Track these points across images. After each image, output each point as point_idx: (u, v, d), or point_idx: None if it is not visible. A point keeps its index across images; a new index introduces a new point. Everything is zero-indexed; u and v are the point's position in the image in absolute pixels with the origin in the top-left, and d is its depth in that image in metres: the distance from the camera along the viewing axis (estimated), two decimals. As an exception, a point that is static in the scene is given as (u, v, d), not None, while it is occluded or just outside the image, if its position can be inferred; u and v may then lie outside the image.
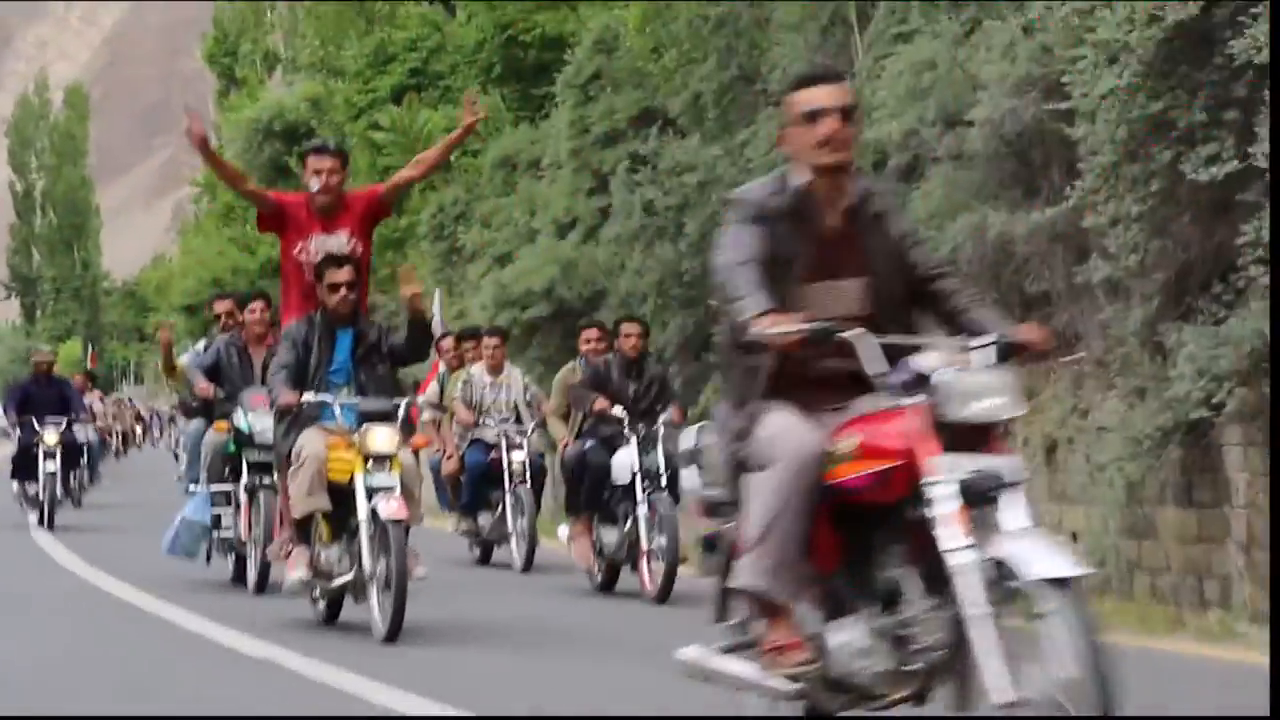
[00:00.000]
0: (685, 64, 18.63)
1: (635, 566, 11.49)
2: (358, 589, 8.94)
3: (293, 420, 9.10)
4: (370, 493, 8.78)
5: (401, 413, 9.26)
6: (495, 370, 14.33)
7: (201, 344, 13.15)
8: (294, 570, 9.02)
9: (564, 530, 12.34)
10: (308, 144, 10.29)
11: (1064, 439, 11.73)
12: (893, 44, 14.25)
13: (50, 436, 18.94)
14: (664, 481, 11.27)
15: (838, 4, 15.96)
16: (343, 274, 9.15)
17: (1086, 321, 11.64)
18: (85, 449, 20.89)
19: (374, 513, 8.74)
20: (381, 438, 8.90)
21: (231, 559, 12.19)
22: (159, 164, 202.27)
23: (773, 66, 16.55)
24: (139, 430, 55.72)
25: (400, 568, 8.51)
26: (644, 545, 11.33)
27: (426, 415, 14.66)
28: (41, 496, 18.79)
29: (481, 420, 14.16)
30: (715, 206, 16.59)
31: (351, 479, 8.88)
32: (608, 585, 11.95)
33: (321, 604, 9.43)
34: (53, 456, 18.87)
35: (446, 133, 28.83)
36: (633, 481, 11.43)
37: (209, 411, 12.24)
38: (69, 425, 19.42)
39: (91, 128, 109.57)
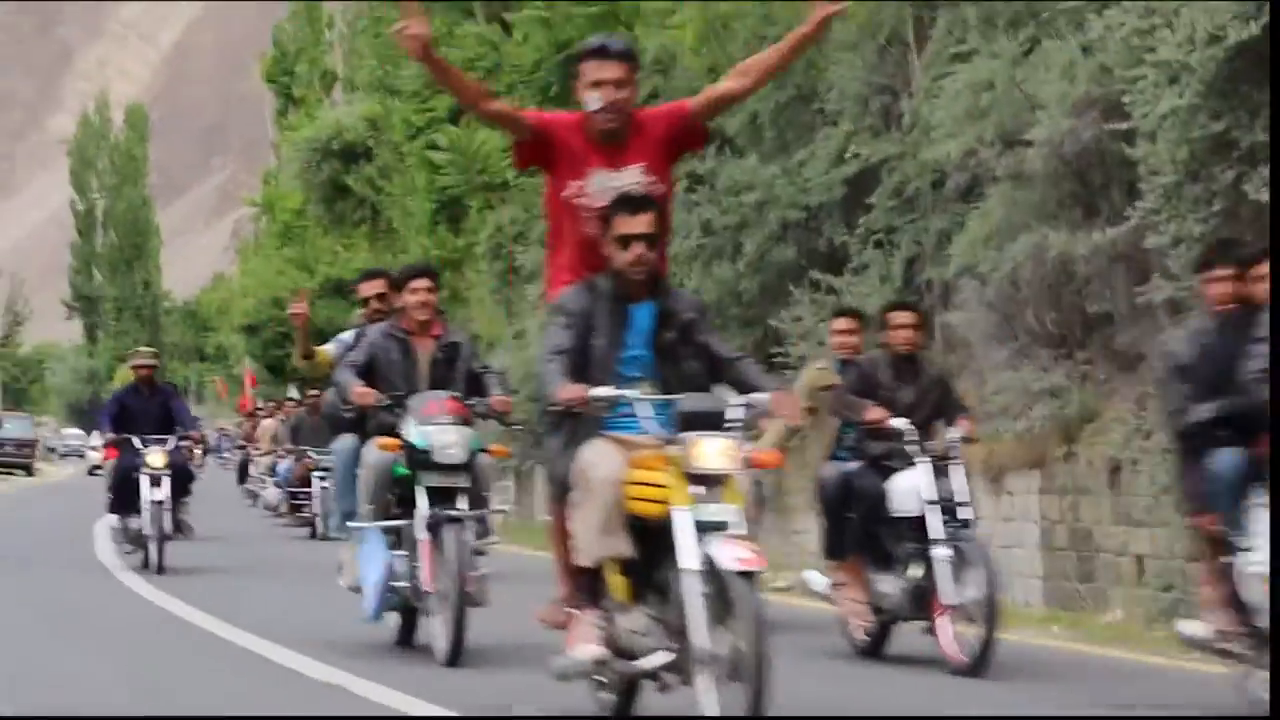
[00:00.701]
0: (742, 84, 18.63)
1: (932, 627, 9.18)
2: (678, 673, 6.16)
3: (572, 427, 6.47)
4: (700, 530, 6.05)
5: (744, 416, 6.31)
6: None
7: (349, 334, 10.46)
8: (580, 645, 6.36)
9: (816, 577, 10.28)
10: (585, 43, 7.01)
11: (1128, 461, 11.67)
12: (950, 64, 14.24)
13: (155, 458, 15.64)
14: (964, 514, 9.19)
15: (895, 24, 15.95)
16: (639, 223, 6.52)
17: (1149, 342, 11.59)
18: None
19: (709, 561, 5.96)
20: (717, 452, 6.15)
21: (396, 616, 9.56)
22: (218, 184, 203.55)
23: (830, 86, 16.55)
24: (199, 452, 55.86)
25: (757, 643, 5.74)
26: (944, 599, 9.02)
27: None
28: (147, 531, 15.54)
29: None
30: (773, 226, 16.61)
31: (666, 512, 6.11)
32: (875, 648, 9.73)
33: (612, 694, 6.58)
34: (158, 483, 15.59)
35: (504, 153, 29.09)
36: (922, 515, 9.20)
37: (362, 423, 9.57)
38: (177, 443, 16.11)
39: (151, 148, 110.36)
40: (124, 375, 41.93)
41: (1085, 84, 11.69)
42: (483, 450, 9.31)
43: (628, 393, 6.36)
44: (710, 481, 6.15)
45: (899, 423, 9.32)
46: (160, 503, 15.49)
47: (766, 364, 16.51)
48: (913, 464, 9.27)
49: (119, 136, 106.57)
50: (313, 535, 22.27)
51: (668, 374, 6.53)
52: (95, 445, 33.23)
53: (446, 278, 31.51)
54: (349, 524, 9.59)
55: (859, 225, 15.48)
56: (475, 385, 9.54)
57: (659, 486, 6.18)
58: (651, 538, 6.20)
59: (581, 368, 6.40)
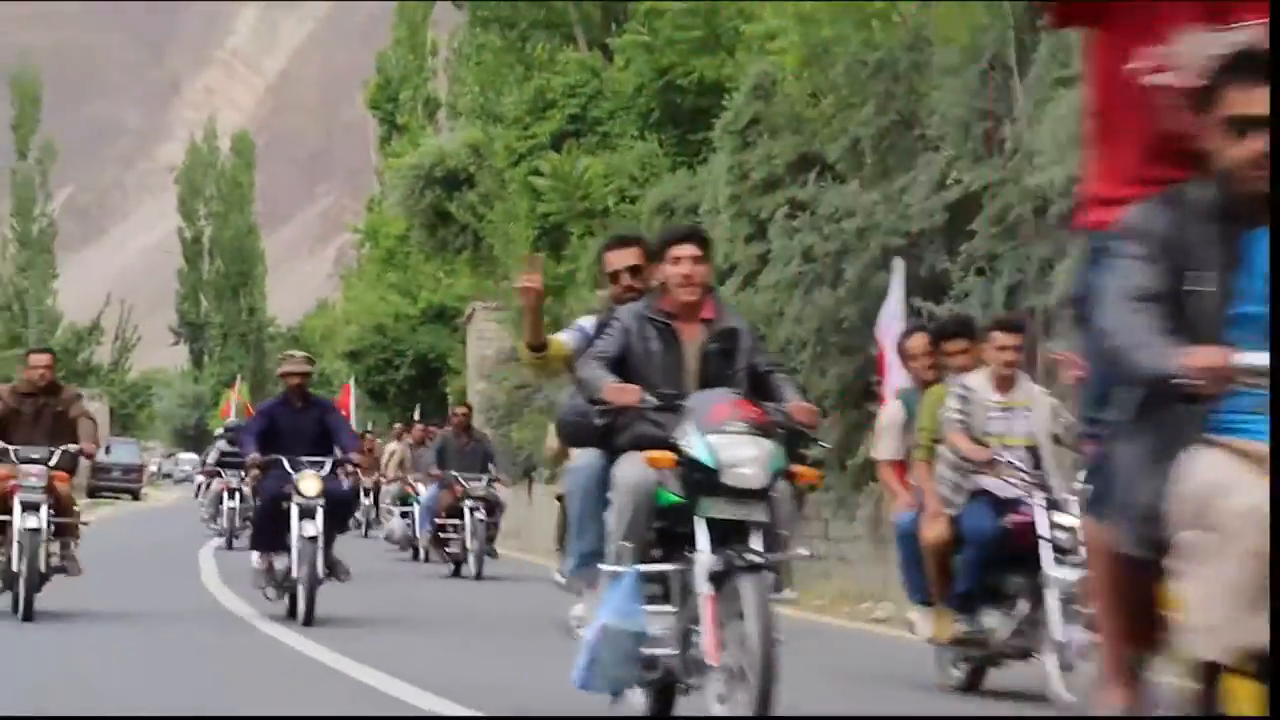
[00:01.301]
0: (843, 109, 18.56)
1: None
2: None
3: (1163, 427, 4.19)
4: None
5: None
6: (1006, 383, 9.21)
7: (588, 320, 8.09)
8: None
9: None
10: None
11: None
12: (1054, 88, 14.13)
13: (308, 484, 13.12)
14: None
15: (998, 48, 15.85)
16: (1262, 99, 4.18)
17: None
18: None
19: None
20: None
21: (647, 693, 7.30)
22: (322, 211, 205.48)
23: (932, 111, 16.46)
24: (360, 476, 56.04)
25: None
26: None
27: (886, 451, 10.35)
28: (296, 573, 13.01)
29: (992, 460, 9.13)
30: (875, 252, 16.51)
31: None
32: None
33: None
34: (312, 515, 13.08)
35: (606, 179, 29.16)
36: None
37: (609, 435, 7.26)
38: (335, 467, 13.58)
39: (256, 175, 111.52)
40: (235, 398, 42.34)
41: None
42: (785, 473, 6.99)
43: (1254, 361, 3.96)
44: None
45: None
46: (313, 539, 12.94)
47: (866, 393, 16.41)
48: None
49: (225, 164, 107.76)
50: (456, 573, 20.37)
51: None
52: (202, 467, 32.44)
53: (548, 304, 31.64)
54: (600, 567, 7.17)
55: (960, 252, 15.37)
56: (761, 387, 7.21)
57: None
58: None
59: (1181, 325, 4.20)
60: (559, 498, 12.46)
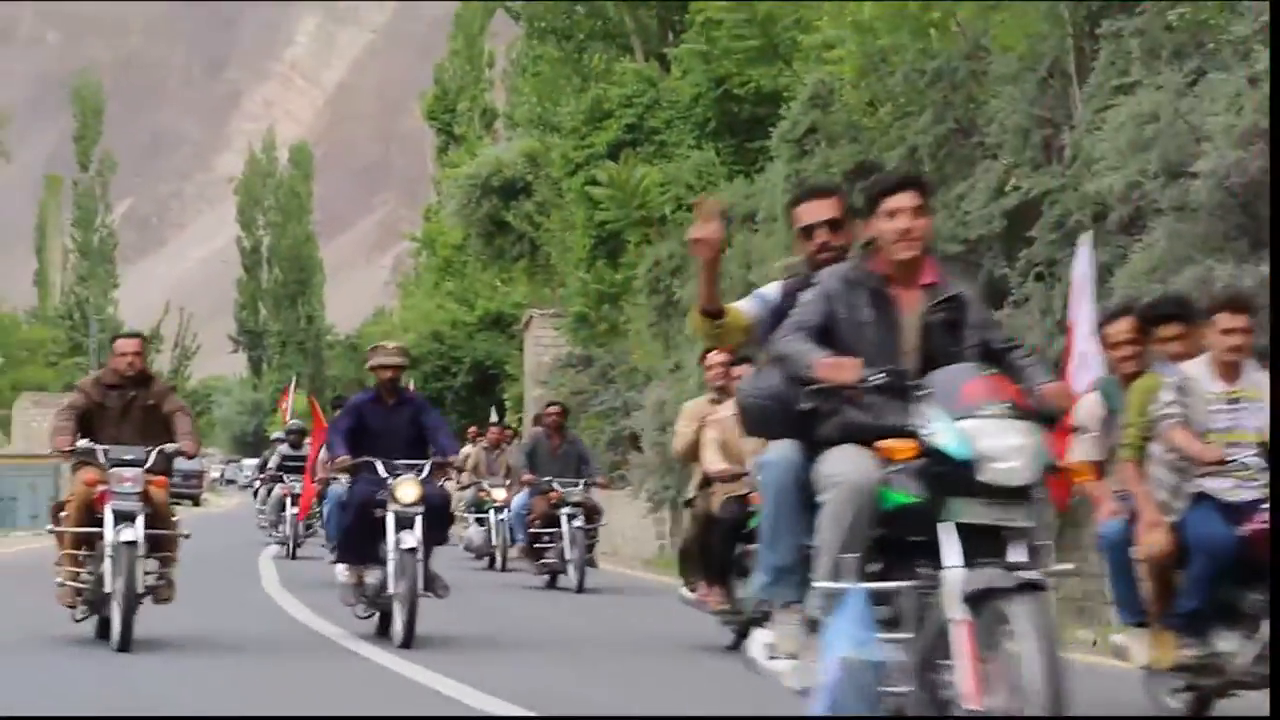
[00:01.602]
0: (901, 117, 18.59)
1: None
2: None
3: None
4: None
5: None
6: (1231, 371, 7.99)
7: (772, 287, 6.96)
8: None
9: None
10: None
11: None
12: (1113, 96, 14.12)
13: (407, 490, 11.78)
14: None
15: (1056, 55, 15.86)
16: None
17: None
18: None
19: None
20: None
21: None
22: (379, 220, 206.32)
23: (990, 119, 16.47)
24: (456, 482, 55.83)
25: None
26: None
27: (1085, 452, 8.79)
28: (393, 589, 11.62)
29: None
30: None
31: None
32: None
33: None
34: (410, 525, 11.74)
35: (662, 188, 29.19)
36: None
37: (808, 423, 6.00)
38: (433, 471, 12.26)
39: (315, 185, 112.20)
40: (293, 407, 42.57)
41: (1252, 115, 11.56)
42: (1053, 468, 5.77)
43: None
44: None
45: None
46: (413, 551, 11.59)
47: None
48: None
49: (284, 175, 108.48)
50: (552, 584, 18.89)
51: None
52: (260, 473, 30.89)
53: (604, 311, 31.74)
54: (812, 585, 5.88)
55: (1019, 258, 15.38)
56: (994, 365, 5.97)
57: None
58: None
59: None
60: (688, 503, 12.26)
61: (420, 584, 11.64)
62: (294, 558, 24.19)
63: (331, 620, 13.22)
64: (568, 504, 18.33)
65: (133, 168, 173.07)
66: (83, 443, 11.51)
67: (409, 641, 11.43)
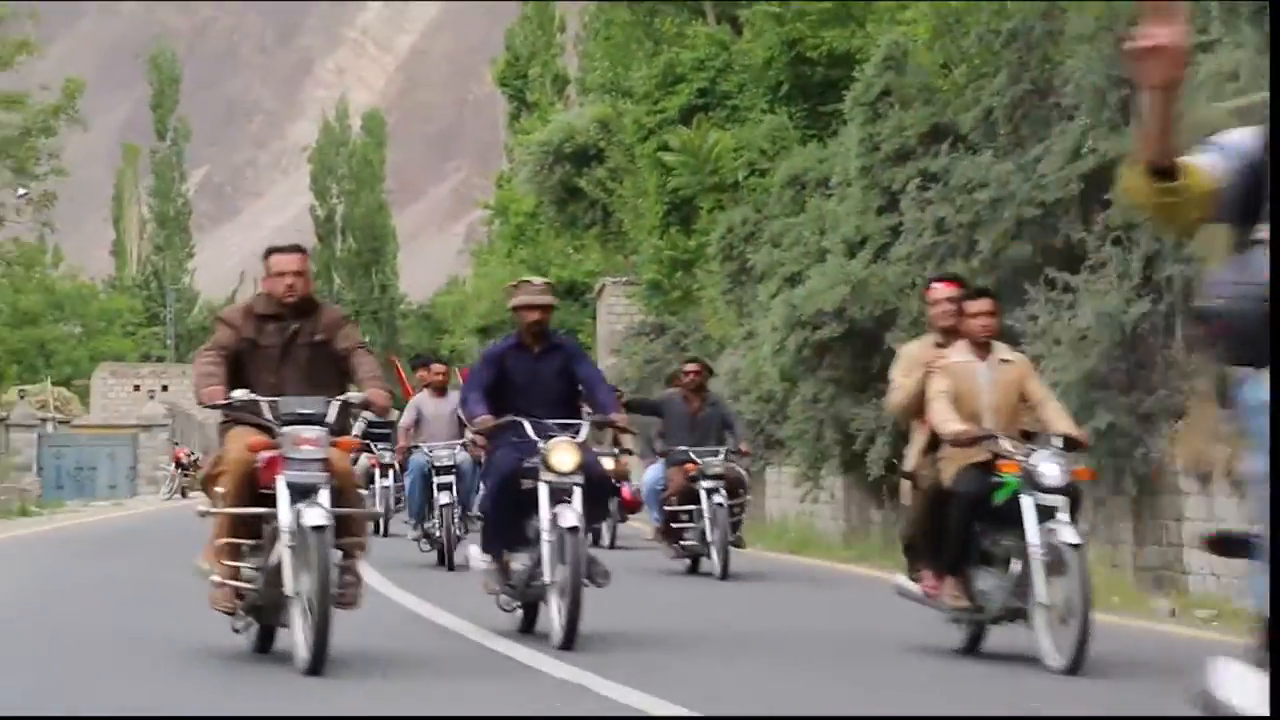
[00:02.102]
0: (976, 79, 18.40)
1: None
2: None
3: None
4: None
5: None
6: None
7: (1242, 132, 4.33)
8: None
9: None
10: None
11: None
12: (1192, 54, 13.90)
13: (564, 456, 9.66)
14: None
15: (1134, 14, 15.61)
16: None
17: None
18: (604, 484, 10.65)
19: None
20: None
21: None
22: (452, 188, 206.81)
23: (1066, 79, 16.26)
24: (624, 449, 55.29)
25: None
26: None
27: None
28: (550, 576, 9.47)
29: None
30: (1008, 223, 16.36)
31: None
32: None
33: None
34: (567, 498, 9.62)
35: (735, 153, 29.09)
36: None
37: None
38: (602, 432, 10.73)
39: (387, 153, 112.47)
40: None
41: (1335, 73, 11.34)
42: None
43: None
44: None
45: None
46: (575, 530, 9.42)
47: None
48: None
49: (357, 142, 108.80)
50: (693, 569, 16.42)
51: None
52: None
53: (677, 278, 31.66)
54: None
55: (1096, 222, 15.19)
56: None
57: None
58: None
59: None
60: (908, 475, 9.94)
61: (583, 571, 9.43)
62: (385, 534, 21.53)
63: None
64: (707, 477, 15.85)
65: (207, 136, 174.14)
66: (240, 393, 8.53)
67: (571, 641, 9.25)
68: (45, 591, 14.50)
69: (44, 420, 54.40)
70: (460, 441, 16.87)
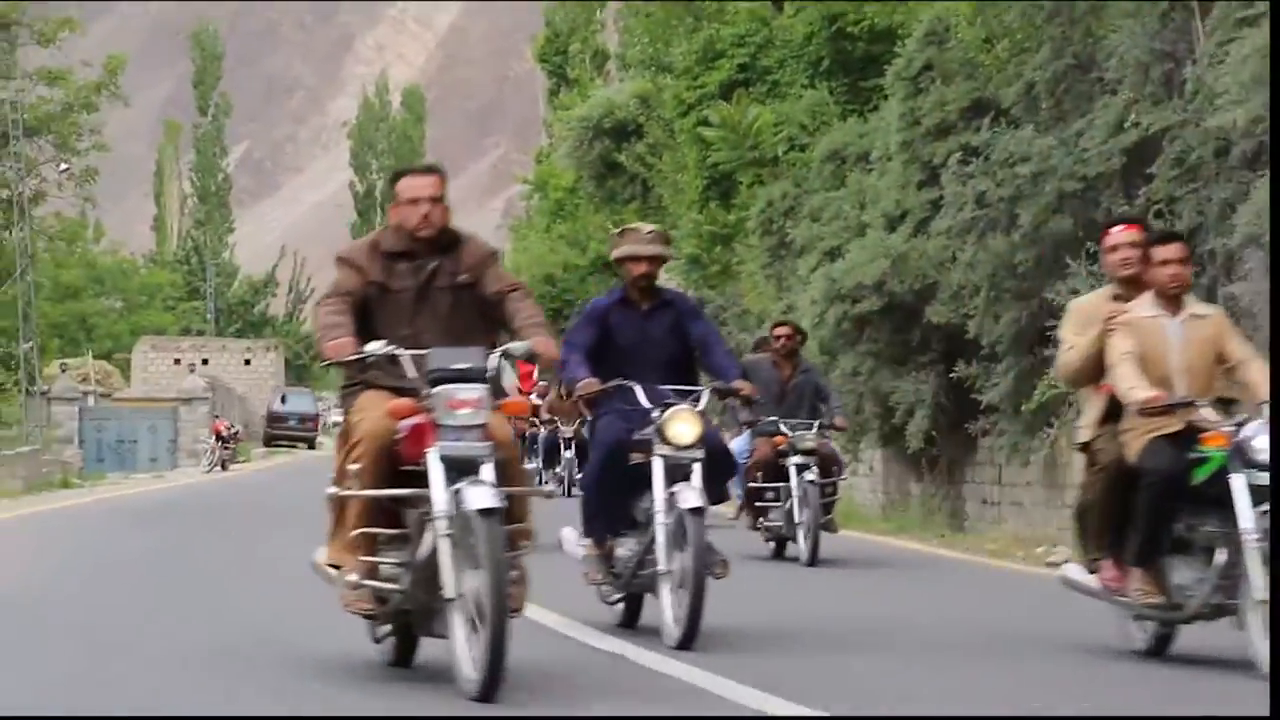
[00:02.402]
0: (1018, 54, 18.35)
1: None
2: None
3: None
4: None
5: None
6: None
7: None
8: None
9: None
10: None
11: None
12: (1237, 28, 13.85)
13: (682, 428, 8.47)
14: None
15: (1177, -12, 15.56)
16: None
17: None
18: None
19: None
20: None
21: None
22: (491, 163, 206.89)
23: (1109, 54, 16.21)
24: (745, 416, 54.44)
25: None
26: None
27: None
28: (663, 565, 8.41)
29: None
30: (1050, 198, 16.33)
31: None
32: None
33: None
34: (686, 475, 8.48)
35: (775, 128, 29.03)
36: None
37: None
38: (721, 398, 9.32)
39: (427, 128, 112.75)
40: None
41: (1381, 45, 11.28)
42: None
43: None
44: None
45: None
46: (698, 512, 8.29)
47: (1041, 338, 16.26)
48: None
49: (396, 119, 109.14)
50: (779, 554, 14.82)
51: None
52: None
53: (717, 253, 31.65)
54: None
55: (1138, 195, 15.16)
56: None
57: None
58: None
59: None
60: (1084, 448, 8.65)
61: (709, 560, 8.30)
62: None
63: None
64: (798, 451, 14.14)
65: (247, 113, 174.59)
66: (376, 345, 6.92)
67: (691, 639, 8.09)
68: (95, 564, 14.64)
69: (85, 394, 54.71)
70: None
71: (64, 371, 56.28)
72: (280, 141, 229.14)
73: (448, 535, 6.49)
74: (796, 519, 14.04)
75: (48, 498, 28.54)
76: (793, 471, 14.11)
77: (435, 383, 6.72)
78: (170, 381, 64.49)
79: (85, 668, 7.59)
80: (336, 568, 7.03)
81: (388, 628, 7.28)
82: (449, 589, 6.49)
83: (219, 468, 46.74)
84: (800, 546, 14.00)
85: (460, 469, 6.61)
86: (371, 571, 6.92)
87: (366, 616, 7.11)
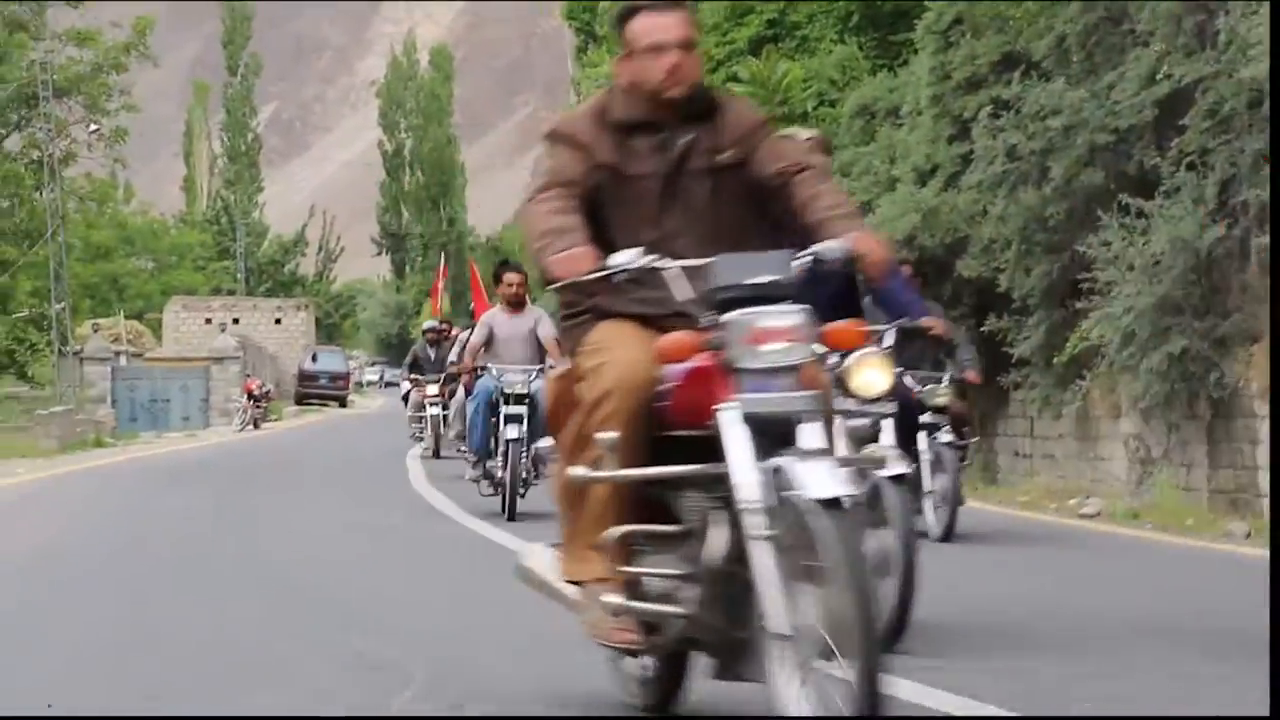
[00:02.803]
0: (1049, 6, 18.27)
1: None
2: None
3: None
4: None
5: None
6: None
7: None
8: None
9: None
10: None
11: None
12: (1270, -22, 13.76)
13: (872, 376, 5.39)
14: None
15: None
16: None
17: None
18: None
19: None
20: None
21: None
22: (519, 122, 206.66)
23: (1141, 5, 16.13)
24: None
25: None
26: None
27: None
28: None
29: None
30: (1081, 150, 16.29)
31: None
32: None
33: None
34: (874, 433, 7.38)
35: (805, 83, 28.94)
36: None
37: None
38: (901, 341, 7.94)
39: (455, 87, 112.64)
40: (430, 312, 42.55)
41: None
42: None
43: None
44: None
45: None
46: (900, 479, 6.96)
47: (1074, 291, 16.24)
48: None
49: (425, 78, 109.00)
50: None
51: None
52: (408, 373, 26.76)
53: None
54: None
55: (1170, 147, 15.11)
56: None
57: None
58: None
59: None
60: None
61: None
62: (439, 456, 23.03)
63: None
64: (927, 409, 11.91)
65: (276, 72, 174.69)
66: (628, 255, 4.70)
67: (898, 637, 6.43)
68: (132, 521, 14.74)
69: (117, 353, 54.91)
70: (539, 366, 13.70)
71: (96, 332, 56.46)
72: (309, 101, 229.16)
73: (768, 538, 4.21)
74: (927, 487, 11.73)
75: (82, 457, 28.71)
76: (922, 433, 11.77)
77: (725, 306, 4.48)
78: (201, 341, 64.65)
79: (128, 617, 7.68)
80: (577, 583, 4.93)
81: (648, 663, 5.08)
82: (773, 621, 4.18)
83: (251, 426, 46.90)
84: (928, 519, 11.64)
85: (774, 434, 4.35)
86: (634, 588, 4.81)
87: (629, 649, 4.91)
